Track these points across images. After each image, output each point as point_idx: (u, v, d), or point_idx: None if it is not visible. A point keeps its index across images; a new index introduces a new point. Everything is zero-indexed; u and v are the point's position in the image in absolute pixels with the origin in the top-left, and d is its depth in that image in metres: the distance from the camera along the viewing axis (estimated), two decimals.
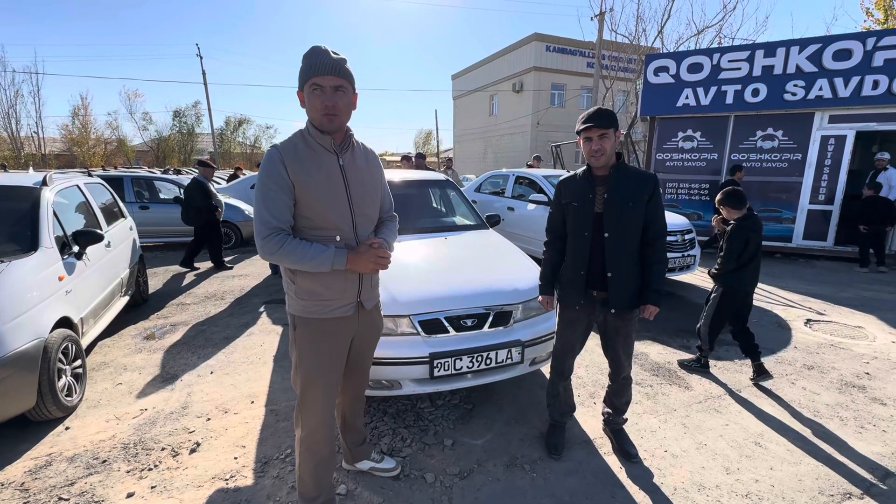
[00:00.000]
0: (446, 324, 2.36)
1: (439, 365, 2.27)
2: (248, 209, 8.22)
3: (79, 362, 2.84)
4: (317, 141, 1.52)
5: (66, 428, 2.52)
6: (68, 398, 2.64)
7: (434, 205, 4.33)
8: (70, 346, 2.74)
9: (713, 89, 7.40)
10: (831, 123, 6.85)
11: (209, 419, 2.60)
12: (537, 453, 2.29)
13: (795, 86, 6.82)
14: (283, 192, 1.47)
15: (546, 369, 2.99)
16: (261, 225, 1.46)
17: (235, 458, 2.24)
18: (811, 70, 6.70)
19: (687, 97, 7.63)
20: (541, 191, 6.11)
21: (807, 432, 2.50)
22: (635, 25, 13.85)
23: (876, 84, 6.36)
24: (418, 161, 7.88)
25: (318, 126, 1.50)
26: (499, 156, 26.33)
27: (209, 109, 28.28)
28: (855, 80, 6.46)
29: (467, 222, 3.93)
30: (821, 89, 6.68)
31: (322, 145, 1.53)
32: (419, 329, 2.34)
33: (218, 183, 12.34)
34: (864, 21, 12.80)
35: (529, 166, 8.57)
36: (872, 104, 6.47)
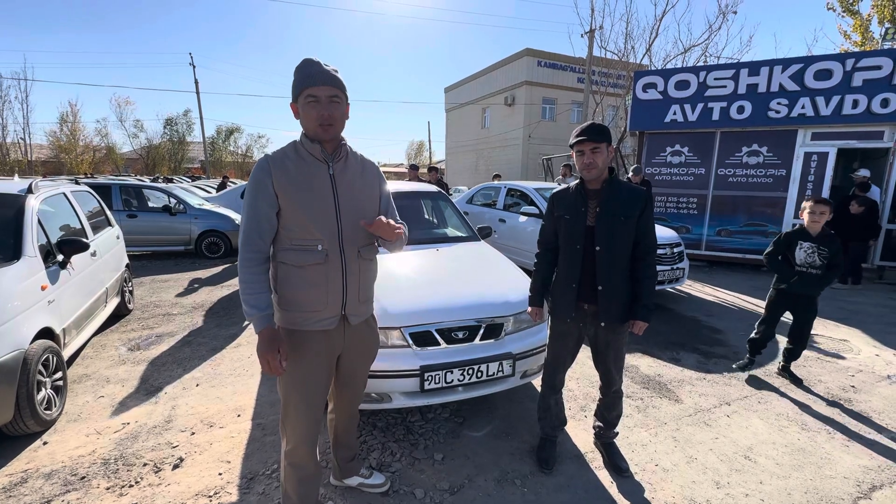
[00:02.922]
0: (437, 336, 2.35)
1: (430, 378, 2.25)
2: (237, 218, 8.15)
3: (59, 374, 2.77)
4: (308, 150, 1.53)
5: (44, 443, 2.44)
6: (47, 412, 2.56)
7: (426, 216, 4.34)
8: (51, 357, 2.67)
9: (700, 106, 7.57)
10: (814, 140, 7.03)
11: (193, 433, 2.54)
12: (528, 468, 2.27)
13: (779, 103, 7.00)
14: (266, 205, 1.50)
15: (537, 382, 2.98)
16: (245, 239, 1.51)
17: (220, 474, 2.19)
18: (794, 89, 6.89)
19: (675, 113, 7.79)
20: (532, 203, 6.16)
21: (795, 445, 2.51)
22: (624, 43, 14.17)
23: (856, 103, 6.56)
24: (415, 172, 7.93)
25: (312, 136, 1.51)
26: (490, 168, 26.53)
27: (201, 118, 28.22)
28: (836, 98, 6.66)
29: (459, 234, 3.94)
30: (803, 107, 6.87)
31: (313, 154, 1.53)
32: (410, 341, 2.32)
33: (208, 192, 12.27)
34: (843, 43, 13.25)
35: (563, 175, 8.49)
36: (853, 122, 6.66)
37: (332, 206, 1.54)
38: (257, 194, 1.49)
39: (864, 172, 6.78)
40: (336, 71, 1.49)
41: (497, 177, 11.81)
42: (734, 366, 3.53)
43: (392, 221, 1.60)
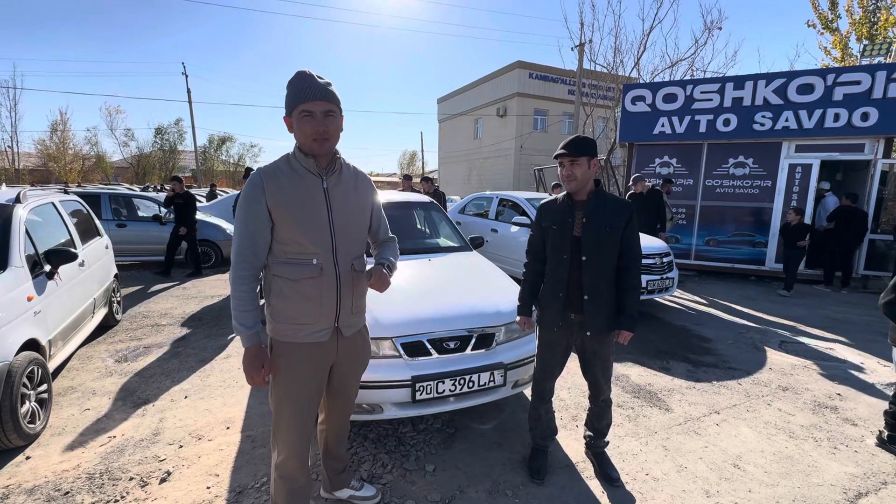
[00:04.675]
0: (429, 346, 2.35)
1: (421, 388, 2.24)
2: (229, 228, 8.10)
3: (44, 387, 2.72)
4: (301, 164, 1.53)
5: (27, 457, 2.39)
6: (31, 425, 2.51)
7: (418, 226, 4.36)
8: (36, 369, 2.62)
9: (687, 118, 7.74)
10: (798, 153, 7.20)
11: (181, 446, 2.50)
12: (519, 478, 2.27)
13: (763, 116, 7.18)
14: (259, 220, 1.50)
15: (529, 392, 2.99)
16: (238, 255, 1.52)
17: (208, 488, 2.16)
18: (777, 102, 7.08)
19: (663, 125, 7.95)
20: (524, 213, 6.21)
21: (783, 453, 2.54)
22: (613, 56, 14.40)
23: (837, 117, 6.75)
24: (409, 183, 7.98)
25: (307, 151, 1.51)
26: (483, 178, 26.72)
27: (193, 127, 28.09)
28: (818, 112, 6.85)
29: (451, 244, 3.96)
30: (787, 120, 7.05)
31: (307, 168, 1.53)
32: (401, 352, 2.32)
33: (199, 201, 12.16)
34: (823, 59, 13.66)
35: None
36: (835, 135, 6.85)
37: (326, 220, 1.54)
38: (251, 210, 1.49)
39: (823, 185, 7.04)
40: (330, 84, 1.49)
41: (557, 187, 9.53)
42: (880, 444, 2.64)
43: (383, 277, 1.62)
